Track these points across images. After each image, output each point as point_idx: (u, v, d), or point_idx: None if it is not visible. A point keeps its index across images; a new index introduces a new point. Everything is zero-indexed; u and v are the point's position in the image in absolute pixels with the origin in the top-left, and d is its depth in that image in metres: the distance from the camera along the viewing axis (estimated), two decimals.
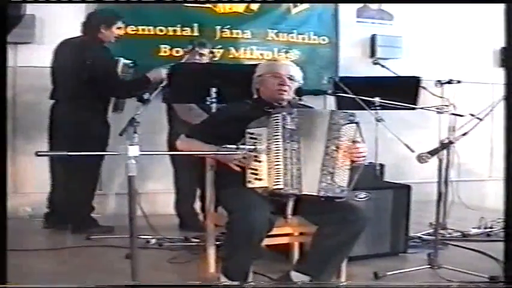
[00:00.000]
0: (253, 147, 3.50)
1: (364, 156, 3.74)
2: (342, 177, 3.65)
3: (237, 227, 3.45)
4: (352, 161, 3.70)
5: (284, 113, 3.68)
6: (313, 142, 3.68)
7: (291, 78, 3.95)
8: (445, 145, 4.30)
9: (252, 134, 3.64)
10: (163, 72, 5.35)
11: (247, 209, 3.44)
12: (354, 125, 3.72)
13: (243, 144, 3.55)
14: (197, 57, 5.75)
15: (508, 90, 3.38)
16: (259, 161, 3.60)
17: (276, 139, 3.62)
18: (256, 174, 3.61)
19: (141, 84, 5.49)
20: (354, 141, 3.70)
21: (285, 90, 3.92)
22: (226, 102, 4.64)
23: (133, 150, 2.94)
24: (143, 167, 6.09)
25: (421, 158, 3.95)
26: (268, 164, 3.60)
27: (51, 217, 5.87)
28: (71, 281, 4.22)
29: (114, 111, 5.82)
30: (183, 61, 5.62)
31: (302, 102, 4.12)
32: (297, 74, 4.03)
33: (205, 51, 5.86)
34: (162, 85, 4.60)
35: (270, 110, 3.76)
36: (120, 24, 5.76)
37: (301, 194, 3.63)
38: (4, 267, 3.14)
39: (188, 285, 4.05)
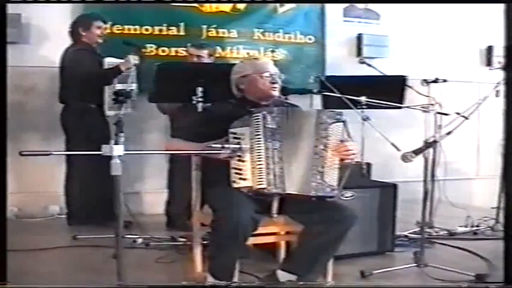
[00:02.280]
0: (238, 146, 3.49)
1: (354, 154, 3.73)
2: (332, 177, 3.64)
3: (221, 226, 3.45)
4: (342, 160, 3.70)
5: (264, 112, 3.66)
6: (297, 141, 3.67)
7: (278, 76, 3.97)
8: (429, 144, 4.30)
9: (235, 133, 3.62)
10: (131, 60, 5.52)
11: (231, 208, 3.45)
12: (341, 123, 3.72)
13: (227, 143, 3.55)
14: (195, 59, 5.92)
15: (508, 90, 3.38)
16: (243, 161, 3.59)
17: (258, 138, 3.60)
18: (240, 174, 3.60)
19: (113, 74, 5.65)
20: (342, 140, 3.70)
21: (277, 88, 3.94)
22: (213, 101, 4.63)
23: (118, 150, 2.93)
24: (131, 167, 6.15)
25: (405, 158, 3.94)
26: (252, 163, 3.59)
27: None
28: (59, 281, 4.21)
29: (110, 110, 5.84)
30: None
31: (288, 101, 4.12)
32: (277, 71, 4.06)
33: (204, 52, 5.99)
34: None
35: (252, 110, 3.75)
36: (98, 23, 5.91)
37: (288, 193, 3.62)
38: (4, 267, 3.13)
39: (178, 286, 4.03)
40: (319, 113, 3.75)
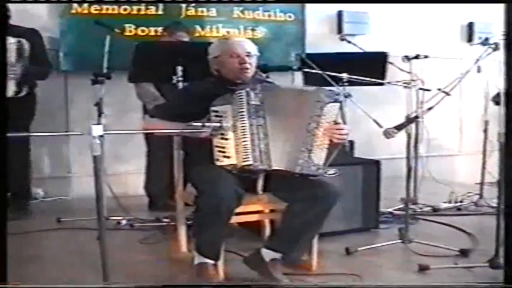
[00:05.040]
0: (218, 124, 3.46)
1: (345, 138, 3.72)
2: (320, 156, 3.64)
3: (205, 202, 3.47)
4: (331, 141, 3.68)
5: (248, 89, 3.65)
6: (287, 117, 3.66)
7: (248, 55, 3.91)
8: (411, 120, 4.30)
9: (216, 111, 3.61)
10: None
11: (213, 184, 3.46)
12: (338, 104, 3.71)
13: (208, 121, 3.52)
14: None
15: (508, 89, 3.36)
16: (226, 139, 3.58)
17: (242, 115, 3.59)
18: (223, 152, 3.59)
19: None
20: (336, 122, 3.69)
21: (247, 68, 3.89)
22: (193, 80, 4.60)
23: (97, 130, 2.90)
24: (114, 147, 6.12)
25: (387, 133, 3.93)
26: (236, 141, 3.58)
27: None
28: (45, 265, 4.19)
29: None
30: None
31: (267, 79, 4.11)
32: (253, 48, 3.97)
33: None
34: None
35: (233, 88, 3.73)
36: None
37: (272, 170, 3.62)
38: (4, 267, 3.10)
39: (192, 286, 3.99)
40: (317, 91, 3.72)
